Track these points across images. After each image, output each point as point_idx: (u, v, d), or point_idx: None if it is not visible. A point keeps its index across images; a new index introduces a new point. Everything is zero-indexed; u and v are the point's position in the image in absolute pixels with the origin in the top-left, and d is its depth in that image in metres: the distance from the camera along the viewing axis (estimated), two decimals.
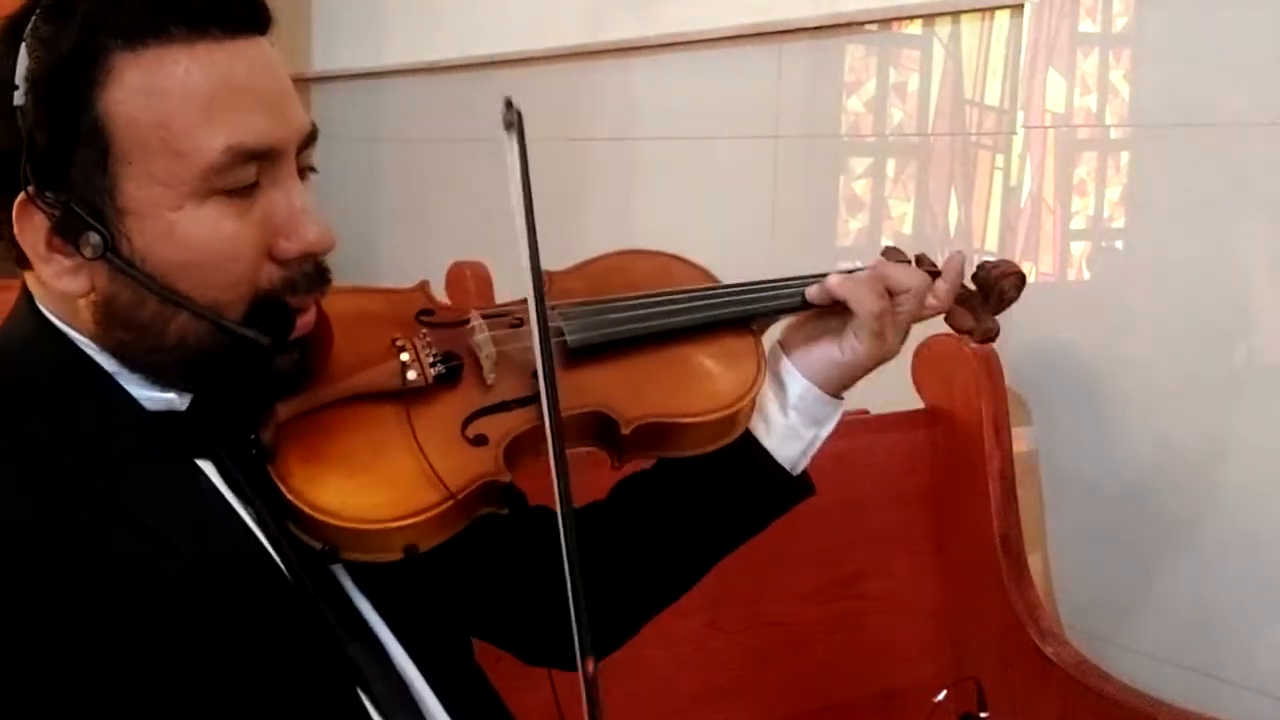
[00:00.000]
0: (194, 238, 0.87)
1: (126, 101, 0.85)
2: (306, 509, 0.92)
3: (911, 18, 1.82)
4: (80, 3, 0.85)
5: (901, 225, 1.88)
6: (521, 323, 1.04)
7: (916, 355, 1.56)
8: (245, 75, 0.88)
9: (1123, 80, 1.55)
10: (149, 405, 0.92)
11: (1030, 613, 1.47)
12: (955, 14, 1.76)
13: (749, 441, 1.10)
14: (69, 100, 0.85)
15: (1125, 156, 1.58)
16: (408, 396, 0.98)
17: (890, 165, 1.89)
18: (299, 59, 3.36)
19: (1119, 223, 1.58)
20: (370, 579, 0.98)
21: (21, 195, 0.86)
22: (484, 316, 1.04)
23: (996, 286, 1.17)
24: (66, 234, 0.86)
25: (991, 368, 1.55)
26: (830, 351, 1.12)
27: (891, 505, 1.58)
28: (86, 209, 0.85)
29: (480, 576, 1.10)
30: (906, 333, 1.14)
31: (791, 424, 1.12)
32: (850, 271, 1.12)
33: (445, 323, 1.05)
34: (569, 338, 1.04)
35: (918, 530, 1.60)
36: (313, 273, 0.93)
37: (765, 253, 2.02)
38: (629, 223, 2.30)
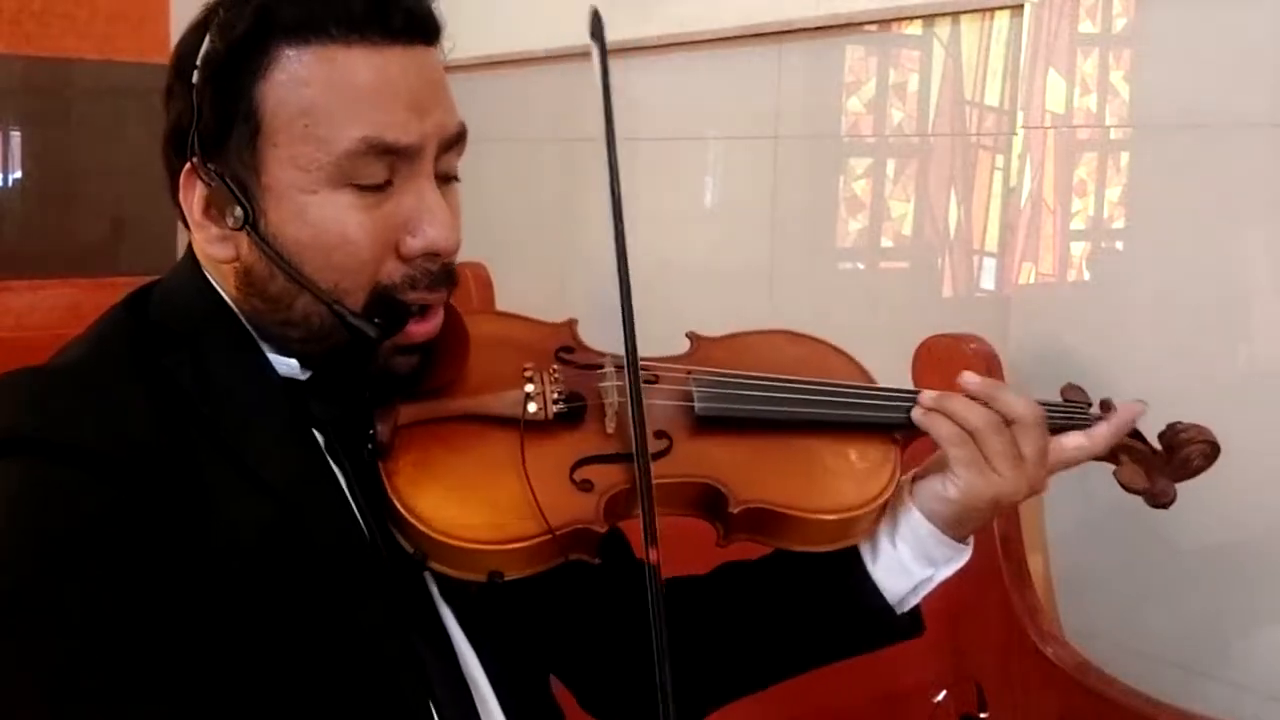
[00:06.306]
0: (320, 221, 0.92)
1: (280, 89, 0.91)
2: (404, 511, 0.94)
3: (911, 18, 1.82)
4: None
5: (901, 226, 1.88)
6: (656, 379, 1.05)
7: (916, 355, 1.56)
8: (394, 77, 0.92)
9: (1123, 80, 1.55)
10: (280, 370, 0.97)
11: (1030, 614, 1.47)
12: (955, 14, 1.76)
13: (855, 565, 1.06)
14: (233, 82, 0.92)
15: (1125, 157, 1.58)
16: (525, 427, 0.99)
17: (890, 166, 1.89)
18: None
19: (1119, 223, 1.58)
20: (456, 594, 0.99)
21: (188, 165, 0.94)
22: (617, 365, 1.04)
23: (1182, 452, 1.09)
24: (218, 204, 0.94)
25: (991, 368, 1.55)
26: (936, 485, 1.06)
27: None
28: (237, 184, 0.92)
29: (564, 614, 1.10)
30: (1046, 469, 1.06)
31: (900, 557, 1.06)
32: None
33: (580, 363, 1.06)
34: (697, 405, 1.03)
35: None
36: (436, 272, 0.96)
37: (765, 253, 2.03)
38: (629, 223, 2.29)
